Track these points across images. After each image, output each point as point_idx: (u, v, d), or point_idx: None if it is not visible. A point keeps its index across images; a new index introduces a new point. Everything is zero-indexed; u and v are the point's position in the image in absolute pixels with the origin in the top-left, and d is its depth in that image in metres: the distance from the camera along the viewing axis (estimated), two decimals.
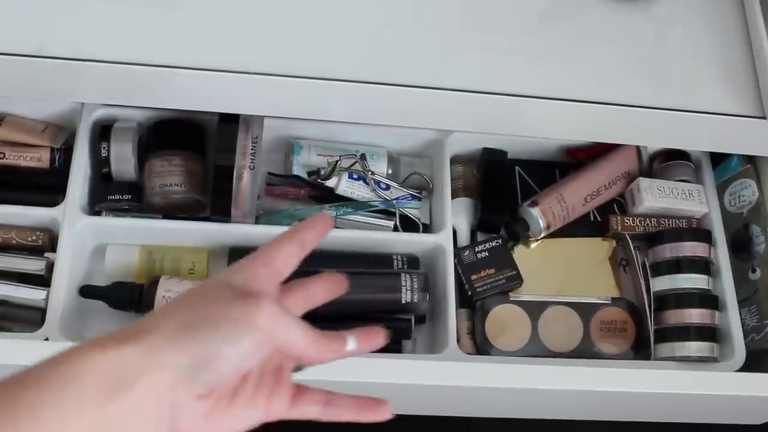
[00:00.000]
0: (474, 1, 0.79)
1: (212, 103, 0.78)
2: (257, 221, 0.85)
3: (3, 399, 0.38)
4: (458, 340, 0.82)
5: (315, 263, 0.81)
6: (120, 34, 0.72)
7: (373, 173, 0.89)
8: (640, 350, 0.86)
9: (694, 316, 0.85)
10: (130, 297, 0.80)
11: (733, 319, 0.86)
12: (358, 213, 0.87)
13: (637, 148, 0.94)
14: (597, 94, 0.76)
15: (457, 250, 0.87)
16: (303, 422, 0.48)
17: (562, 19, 0.80)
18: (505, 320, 0.85)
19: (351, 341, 0.47)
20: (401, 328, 0.82)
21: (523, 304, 0.86)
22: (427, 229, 0.89)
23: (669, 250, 0.87)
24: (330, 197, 0.88)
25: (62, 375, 0.39)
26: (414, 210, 0.89)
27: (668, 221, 0.91)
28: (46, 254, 0.82)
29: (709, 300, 0.86)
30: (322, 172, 0.88)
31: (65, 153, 0.86)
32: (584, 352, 0.85)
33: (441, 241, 0.85)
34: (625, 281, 0.91)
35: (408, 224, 0.88)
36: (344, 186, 0.88)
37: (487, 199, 0.91)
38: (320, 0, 0.77)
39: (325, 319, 0.52)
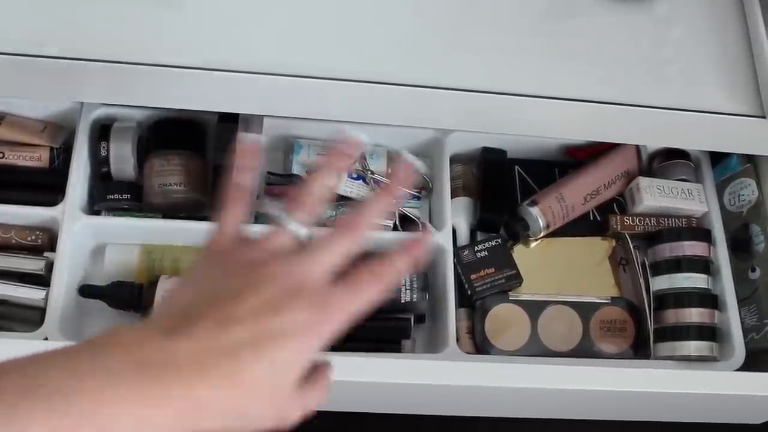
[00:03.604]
0: (474, 1, 0.79)
1: (212, 103, 0.78)
2: (256, 221, 0.85)
3: None
4: (458, 340, 0.82)
5: None
6: (120, 34, 0.72)
7: (372, 172, 0.89)
8: (640, 349, 0.86)
9: (694, 315, 0.85)
10: (129, 296, 0.80)
11: (732, 318, 0.86)
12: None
13: (637, 147, 0.94)
14: (597, 94, 0.76)
15: (457, 250, 0.86)
16: None
17: (562, 19, 0.80)
18: (504, 320, 0.85)
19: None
20: (400, 328, 0.82)
21: (522, 304, 0.86)
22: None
23: (668, 250, 0.87)
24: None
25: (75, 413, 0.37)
26: (413, 209, 0.89)
27: (668, 220, 0.91)
28: (46, 254, 0.82)
29: (708, 299, 0.86)
30: None
31: (65, 152, 0.86)
32: (584, 351, 0.85)
33: (440, 240, 0.85)
34: (625, 280, 0.91)
35: (408, 223, 0.88)
36: (344, 185, 0.88)
37: (486, 199, 0.91)
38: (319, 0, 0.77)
39: None
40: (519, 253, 0.90)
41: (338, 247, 0.47)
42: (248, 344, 0.41)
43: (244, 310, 0.42)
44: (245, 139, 0.51)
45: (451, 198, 0.88)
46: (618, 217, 0.91)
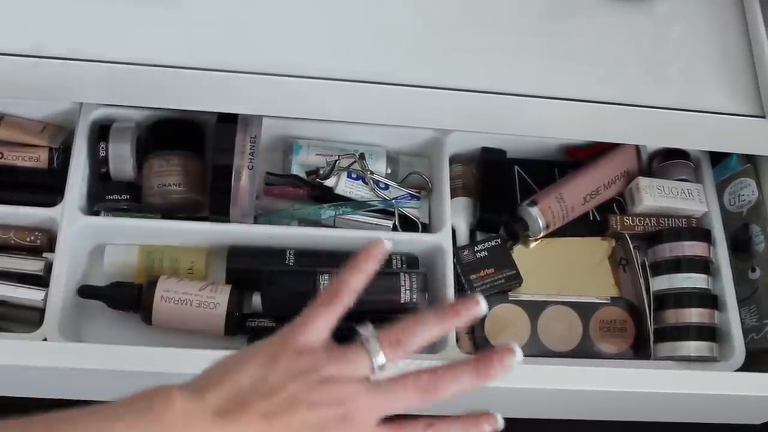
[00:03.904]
0: (474, 1, 0.79)
1: (211, 103, 0.78)
2: (256, 221, 0.85)
3: None
4: (457, 340, 0.82)
5: (314, 264, 0.82)
6: (118, 34, 0.72)
7: (372, 173, 0.89)
8: (640, 350, 0.86)
9: (694, 315, 0.85)
10: (128, 297, 0.80)
11: (732, 318, 0.86)
12: (357, 213, 0.87)
13: (637, 147, 0.93)
14: (596, 94, 0.76)
15: (457, 250, 0.86)
16: None
17: (562, 19, 0.80)
18: (504, 320, 0.84)
19: None
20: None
21: (522, 304, 0.86)
22: (426, 228, 0.89)
23: (668, 250, 0.87)
24: (329, 197, 0.88)
25: None
26: (413, 209, 0.89)
27: (668, 220, 0.91)
28: (45, 254, 0.82)
29: (708, 299, 0.86)
30: (321, 172, 0.88)
31: (64, 153, 0.86)
32: (584, 351, 0.85)
33: (440, 240, 0.85)
34: (625, 281, 0.91)
35: (407, 224, 0.88)
36: (343, 186, 0.88)
37: (486, 199, 0.91)
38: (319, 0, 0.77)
39: None
40: (519, 253, 0.89)
41: (406, 400, 0.48)
42: None
43: (295, 422, 0.43)
44: (377, 243, 0.51)
45: (451, 198, 0.88)
46: (618, 217, 0.91)
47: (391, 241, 0.51)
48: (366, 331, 0.48)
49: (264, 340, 0.48)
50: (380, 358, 0.48)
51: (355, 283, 0.50)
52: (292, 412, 0.44)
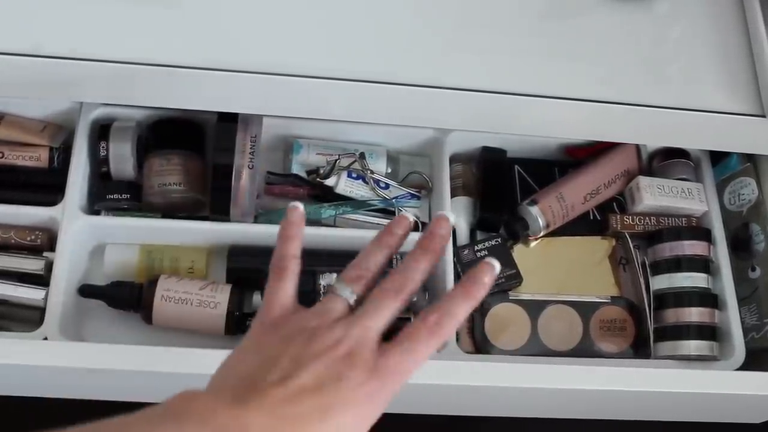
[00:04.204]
0: (474, 1, 0.79)
1: (211, 102, 0.78)
2: (256, 220, 0.85)
3: None
4: (458, 339, 0.82)
5: (314, 263, 0.82)
6: (118, 33, 0.72)
7: (372, 172, 0.89)
8: (640, 349, 0.86)
9: (694, 314, 0.85)
10: (129, 296, 0.80)
11: (732, 317, 0.86)
12: (357, 212, 0.87)
13: (637, 146, 0.94)
14: (597, 93, 0.76)
15: (457, 249, 0.86)
16: None
17: (562, 18, 0.80)
18: (504, 319, 0.85)
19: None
20: (400, 328, 0.81)
21: (522, 303, 0.86)
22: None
23: (668, 249, 0.87)
24: (329, 196, 0.88)
25: None
26: (413, 209, 0.89)
27: (668, 220, 0.91)
28: (45, 254, 0.82)
29: (708, 299, 0.86)
30: (321, 171, 0.88)
31: (64, 152, 0.86)
32: (584, 351, 0.85)
33: None
34: (625, 280, 0.91)
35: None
36: (343, 185, 0.88)
37: (486, 198, 0.91)
38: None
39: None
40: (519, 252, 0.89)
41: (387, 311, 0.49)
42: (316, 413, 0.43)
43: (307, 378, 0.44)
44: (291, 210, 0.53)
45: (451, 197, 0.88)
46: (618, 217, 0.91)
47: (301, 209, 0.54)
48: (327, 279, 0.50)
49: (245, 335, 0.50)
50: (351, 294, 0.50)
51: (291, 250, 0.52)
52: (300, 369, 0.44)
